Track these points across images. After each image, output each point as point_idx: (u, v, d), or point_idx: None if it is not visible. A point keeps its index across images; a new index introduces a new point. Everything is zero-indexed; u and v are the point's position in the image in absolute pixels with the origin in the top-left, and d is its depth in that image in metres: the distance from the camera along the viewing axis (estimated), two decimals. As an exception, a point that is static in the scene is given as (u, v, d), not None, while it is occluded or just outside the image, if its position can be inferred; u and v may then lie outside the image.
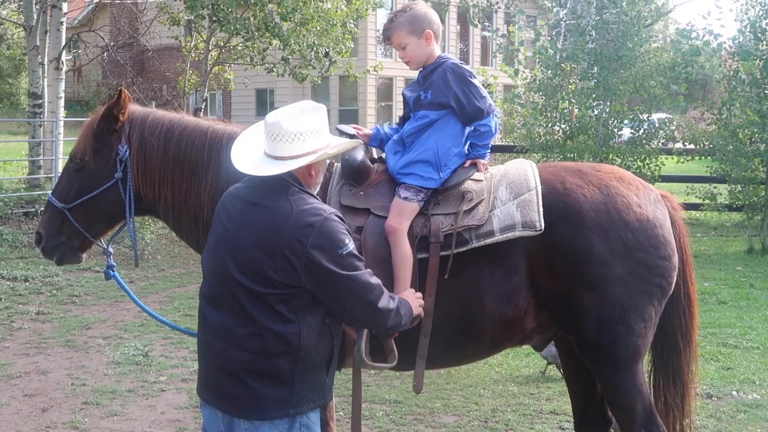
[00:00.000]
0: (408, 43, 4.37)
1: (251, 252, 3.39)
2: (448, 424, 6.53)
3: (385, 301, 3.55)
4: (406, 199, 4.21)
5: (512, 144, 18.42)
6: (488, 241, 4.20)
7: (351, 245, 3.45)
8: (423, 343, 4.26)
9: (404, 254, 4.14)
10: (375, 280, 3.53)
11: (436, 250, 4.19)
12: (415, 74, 4.61)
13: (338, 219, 3.48)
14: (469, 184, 4.33)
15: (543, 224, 4.16)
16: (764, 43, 15.80)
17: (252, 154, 3.61)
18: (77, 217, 4.39)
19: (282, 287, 3.37)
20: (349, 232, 3.50)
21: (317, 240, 3.36)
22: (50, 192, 4.53)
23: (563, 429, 6.40)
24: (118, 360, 8.02)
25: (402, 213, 4.18)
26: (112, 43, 22.77)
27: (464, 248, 4.20)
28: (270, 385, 3.42)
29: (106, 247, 4.60)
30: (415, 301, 3.87)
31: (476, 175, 4.38)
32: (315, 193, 3.65)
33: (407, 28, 4.35)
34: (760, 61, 15.58)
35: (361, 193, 4.34)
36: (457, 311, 4.25)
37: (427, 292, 4.18)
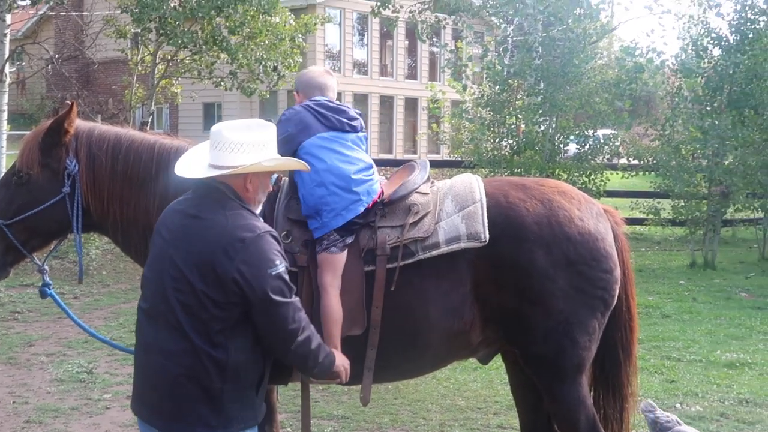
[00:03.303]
0: None
1: (186, 265, 3.39)
2: (396, 439, 6.53)
3: (304, 339, 3.49)
4: (319, 251, 4.16)
5: (460, 159, 18.51)
6: (434, 252, 4.21)
7: (281, 267, 3.42)
8: (370, 356, 4.26)
9: (329, 310, 4.10)
10: (300, 315, 3.49)
11: (383, 263, 4.20)
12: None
13: (273, 238, 3.46)
14: (415, 197, 4.35)
15: (488, 236, 4.18)
16: (706, 60, 16.13)
17: (198, 163, 3.62)
18: (16, 233, 4.27)
19: (212, 303, 3.36)
20: (282, 254, 3.47)
21: (245, 256, 3.35)
22: None
23: (510, 442, 6.44)
24: (61, 377, 7.89)
25: (322, 266, 4.14)
26: (56, 56, 22.46)
27: (410, 260, 4.21)
28: (200, 402, 3.42)
29: (41, 264, 4.47)
30: (343, 361, 3.83)
31: (423, 188, 4.40)
32: (258, 209, 3.66)
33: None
34: (701, 78, 15.90)
35: None
36: (403, 323, 4.25)
37: (374, 305, 4.19)
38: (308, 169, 3.98)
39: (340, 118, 4.29)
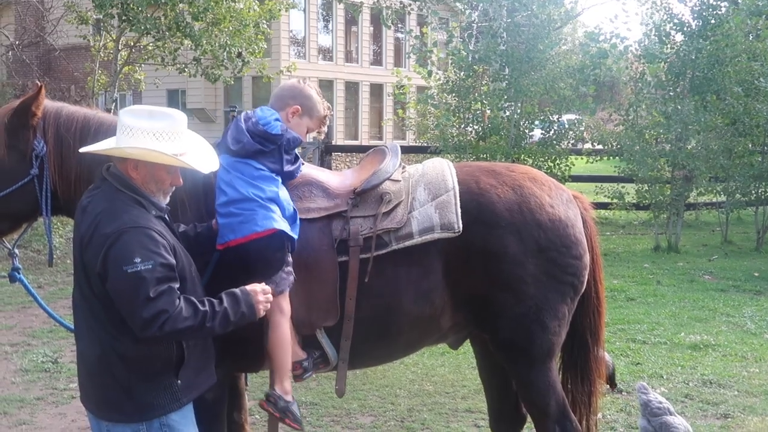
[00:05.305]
0: None
1: (79, 258, 3.47)
2: (365, 425, 6.54)
3: (161, 326, 3.27)
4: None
5: (426, 145, 18.52)
6: (407, 243, 4.18)
7: (142, 265, 3.29)
8: (344, 347, 4.24)
9: (279, 338, 4.00)
10: (156, 304, 3.28)
11: (356, 254, 4.15)
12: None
13: (139, 233, 3.36)
14: (387, 185, 4.30)
15: (461, 226, 4.17)
16: (668, 46, 16.27)
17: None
18: None
19: (96, 296, 3.42)
20: (153, 251, 3.34)
21: (107, 251, 3.33)
22: None
23: (479, 426, 6.47)
24: (26, 367, 7.81)
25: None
26: (17, 42, 22.16)
27: (384, 251, 4.18)
28: (113, 390, 3.48)
29: (11, 248, 4.42)
30: (260, 299, 3.58)
31: (395, 175, 4.35)
32: (163, 200, 3.61)
33: None
34: (664, 63, 16.03)
35: None
36: (376, 312, 4.23)
37: (348, 296, 4.16)
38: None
39: (245, 141, 4.03)
